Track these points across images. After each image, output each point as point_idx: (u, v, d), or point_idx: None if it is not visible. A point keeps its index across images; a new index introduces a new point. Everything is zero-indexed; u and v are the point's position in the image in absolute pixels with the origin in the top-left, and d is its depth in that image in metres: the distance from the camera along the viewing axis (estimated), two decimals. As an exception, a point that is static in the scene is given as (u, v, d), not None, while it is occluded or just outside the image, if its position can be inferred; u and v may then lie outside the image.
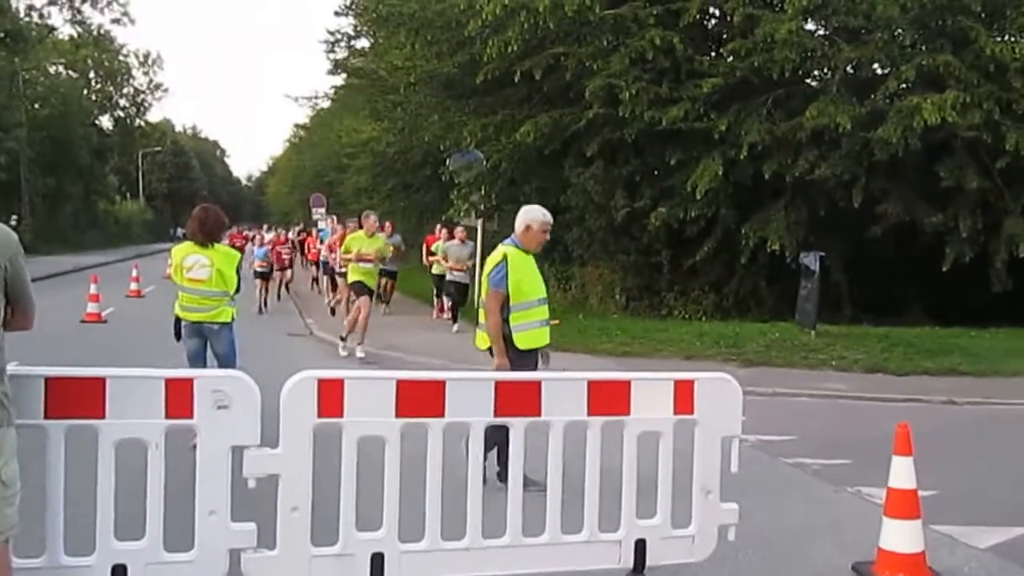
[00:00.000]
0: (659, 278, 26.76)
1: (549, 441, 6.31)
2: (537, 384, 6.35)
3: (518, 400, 6.25)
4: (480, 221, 27.64)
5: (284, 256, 32.68)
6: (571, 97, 24.66)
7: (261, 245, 28.98)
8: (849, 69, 22.34)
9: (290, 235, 52.28)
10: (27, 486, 5.00)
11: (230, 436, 5.69)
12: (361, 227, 19.75)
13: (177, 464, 5.78)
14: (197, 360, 11.08)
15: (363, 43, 40.85)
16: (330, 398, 5.84)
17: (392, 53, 31.41)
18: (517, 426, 6.25)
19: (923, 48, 21.70)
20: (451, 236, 24.44)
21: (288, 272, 33.33)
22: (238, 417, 5.67)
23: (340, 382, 5.88)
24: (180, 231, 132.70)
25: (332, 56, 41.84)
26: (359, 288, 18.80)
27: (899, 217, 21.84)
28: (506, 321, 8.95)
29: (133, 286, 33.02)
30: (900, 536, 6.90)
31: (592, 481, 6.41)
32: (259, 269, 28.32)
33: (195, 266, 10.78)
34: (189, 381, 5.67)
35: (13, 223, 56.14)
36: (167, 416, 5.60)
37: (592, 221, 26.49)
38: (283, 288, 32.83)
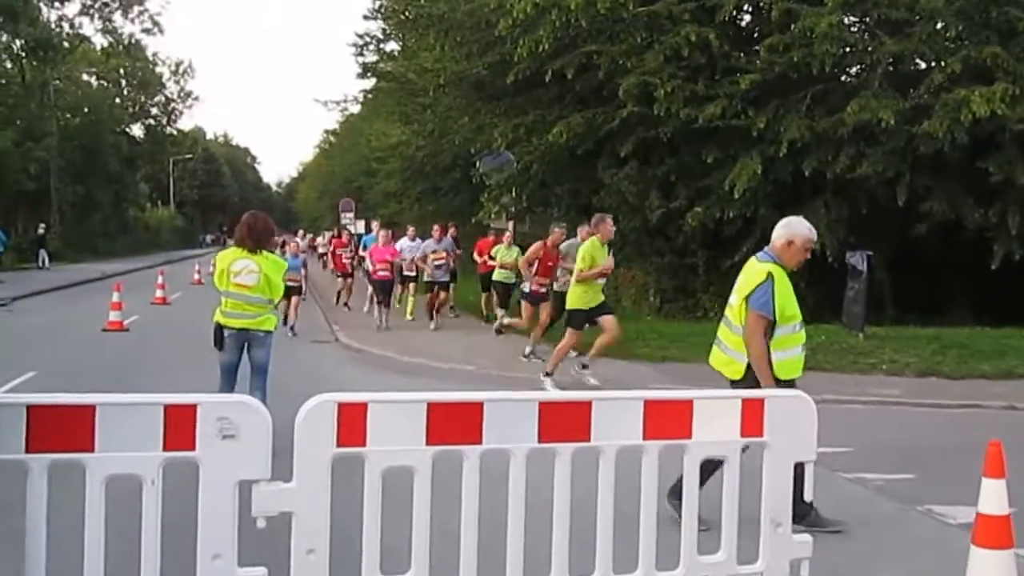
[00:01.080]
0: (694, 280, 25.97)
1: (600, 469, 5.54)
2: (587, 405, 5.53)
3: (565, 423, 5.46)
4: (511, 223, 27.18)
5: (345, 260, 30.95)
6: (604, 96, 23.96)
7: (296, 254, 25.37)
8: (891, 63, 21.48)
9: (318, 239, 51.54)
10: (6, 527, 4.30)
11: (237, 469, 4.93)
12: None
13: (177, 501, 5.04)
14: (231, 371, 10.90)
15: (392, 46, 40.49)
16: (351, 424, 5.09)
17: (421, 55, 31.15)
18: (563, 453, 5.46)
19: (968, 40, 20.79)
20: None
21: (350, 280, 30.94)
22: (246, 448, 4.91)
23: (362, 406, 5.12)
24: (209, 237, 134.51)
25: (361, 60, 41.33)
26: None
27: (944, 215, 21.00)
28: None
29: (159, 293, 32.44)
30: (993, 570, 6.08)
31: (648, 513, 5.62)
32: (290, 283, 20.68)
33: (243, 271, 10.67)
34: (191, 408, 4.90)
35: (41, 231, 56.18)
36: (165, 448, 4.84)
37: (626, 222, 25.71)
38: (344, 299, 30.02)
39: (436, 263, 23.81)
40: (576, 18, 22.01)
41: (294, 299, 22.81)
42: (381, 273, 23.63)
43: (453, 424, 5.28)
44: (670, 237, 25.50)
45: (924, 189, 21.28)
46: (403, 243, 25.86)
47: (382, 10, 37.06)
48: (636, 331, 21.07)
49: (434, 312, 23.90)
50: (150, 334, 23.14)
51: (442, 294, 24.37)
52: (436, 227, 24.72)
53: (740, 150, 22.10)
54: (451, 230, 26.10)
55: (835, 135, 21.05)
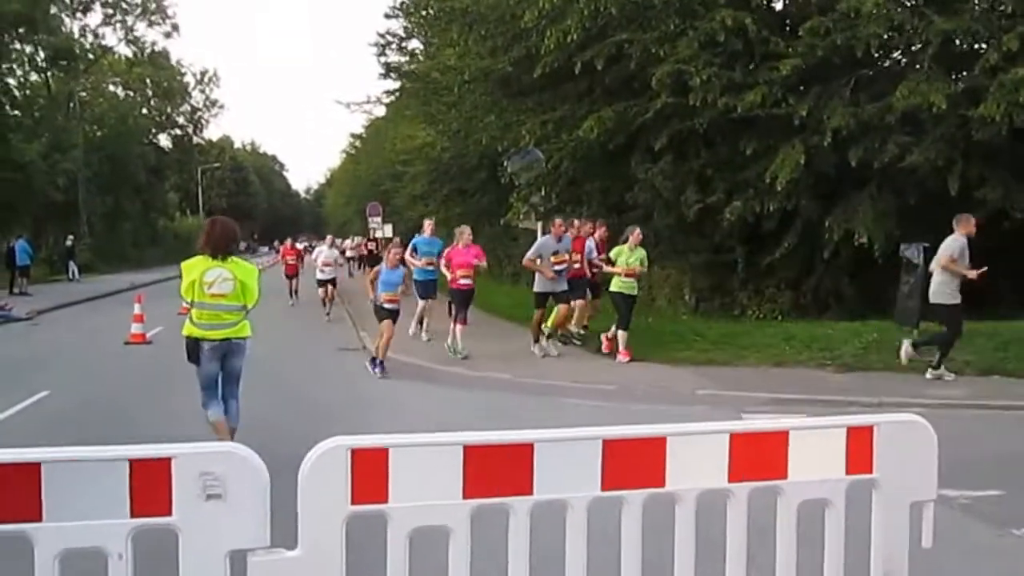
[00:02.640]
0: (732, 277, 24.82)
1: (677, 520, 4.46)
2: (661, 442, 4.48)
3: (634, 465, 4.40)
4: (540, 224, 26.36)
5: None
6: (635, 88, 22.70)
7: (394, 265, 21.41)
8: (941, 43, 20.21)
9: (346, 243, 50.73)
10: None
11: (226, 536, 3.89)
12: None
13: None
14: (213, 384, 10.66)
15: (415, 44, 39.63)
16: (369, 475, 4.02)
17: (444, 52, 30.40)
18: (632, 502, 4.38)
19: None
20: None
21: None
22: (237, 509, 3.88)
23: (382, 452, 4.07)
24: (242, 245, 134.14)
25: (383, 60, 40.40)
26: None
27: (999, 204, 19.79)
28: None
29: (184, 303, 31.42)
30: None
31: (736, 570, 4.55)
32: (388, 306, 17.78)
33: (217, 280, 10.31)
34: (165, 462, 3.85)
35: (70, 243, 55.72)
36: (134, 513, 3.81)
37: (660, 219, 24.71)
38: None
39: (556, 267, 18.88)
40: (605, 6, 20.94)
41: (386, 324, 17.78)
42: (463, 281, 19.18)
43: (497, 471, 4.24)
44: (706, 233, 24.31)
45: (977, 178, 19.97)
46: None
47: (403, 7, 36.21)
48: (674, 332, 20.17)
49: (555, 332, 19.65)
50: (173, 346, 21.85)
51: (563, 307, 19.12)
52: (557, 220, 19.58)
53: (781, 140, 20.84)
54: (596, 228, 21.72)
55: (882, 122, 19.79)
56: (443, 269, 20.50)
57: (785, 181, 20.19)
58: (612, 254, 18.67)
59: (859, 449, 4.70)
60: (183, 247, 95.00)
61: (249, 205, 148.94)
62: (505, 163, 26.17)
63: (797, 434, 4.62)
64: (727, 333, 19.05)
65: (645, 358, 17.53)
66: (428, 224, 23.13)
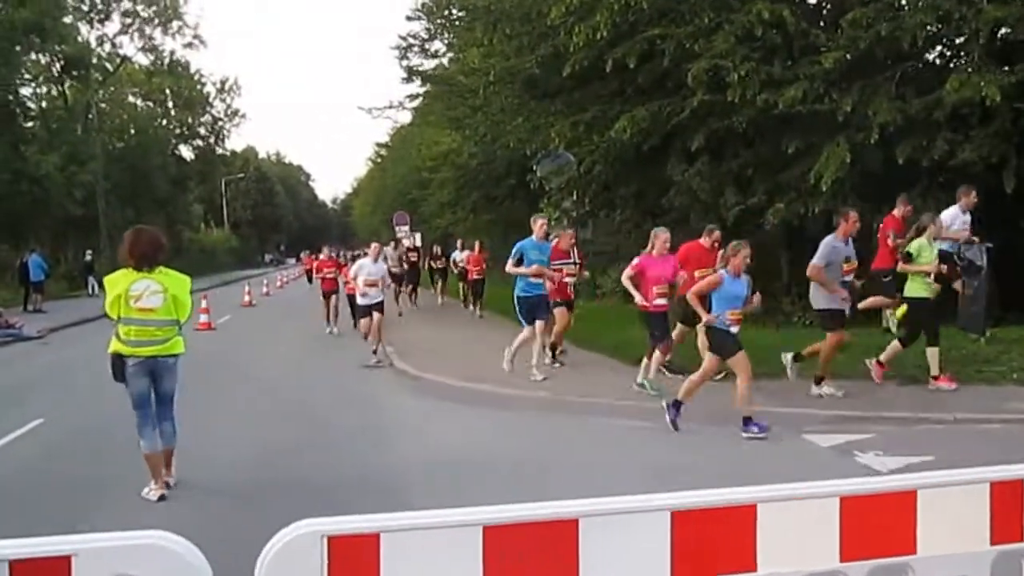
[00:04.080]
0: (775, 282, 23.84)
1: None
2: (751, 512, 3.55)
3: (705, 544, 3.49)
4: (572, 230, 25.56)
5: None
6: (670, 87, 21.91)
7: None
8: (991, 32, 19.23)
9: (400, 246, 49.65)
10: None
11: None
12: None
13: None
14: (145, 404, 10.09)
15: (437, 46, 38.99)
16: (353, 573, 3.09)
17: (469, 53, 29.71)
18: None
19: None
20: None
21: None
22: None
23: (371, 540, 3.10)
24: (268, 257, 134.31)
25: (405, 63, 39.75)
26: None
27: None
28: None
29: (202, 318, 30.82)
30: None
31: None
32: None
33: (145, 293, 9.81)
34: (62, 562, 2.88)
35: (89, 257, 55.13)
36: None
37: (697, 223, 23.77)
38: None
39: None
40: (636, 1, 20.05)
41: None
42: (659, 302, 15.41)
43: (530, 559, 3.27)
44: (747, 237, 23.36)
45: (1033, 175, 19.01)
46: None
47: (425, 8, 35.60)
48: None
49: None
50: (188, 365, 21.22)
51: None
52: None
53: (824, 138, 19.95)
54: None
55: (930, 117, 18.89)
56: (626, 283, 15.98)
57: (830, 181, 19.29)
58: (912, 249, 14.90)
59: (1007, 509, 3.80)
60: (208, 259, 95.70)
61: (275, 216, 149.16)
62: (534, 167, 25.38)
63: (926, 496, 3.71)
64: (773, 342, 18.01)
65: (686, 370, 16.58)
66: (540, 224, 17.96)
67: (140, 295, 9.77)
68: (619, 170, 24.63)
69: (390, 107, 55.34)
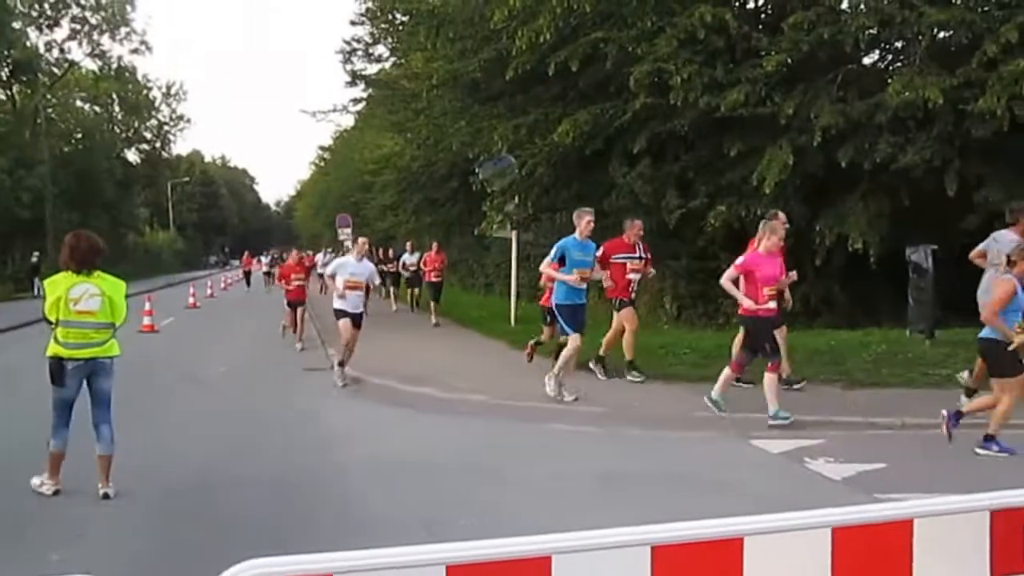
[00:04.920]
0: (715, 284, 23.37)
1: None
2: (737, 544, 3.14)
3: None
4: (514, 233, 25.06)
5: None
6: (612, 90, 21.42)
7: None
8: (933, 36, 18.96)
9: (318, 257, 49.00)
10: None
11: None
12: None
13: None
14: (67, 408, 9.85)
15: (381, 51, 38.51)
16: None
17: (412, 57, 29.26)
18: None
19: (1021, 5, 18.12)
20: None
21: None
22: None
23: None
24: (212, 259, 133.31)
25: (349, 67, 39.24)
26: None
27: (999, 204, 18.47)
28: None
29: (147, 320, 30.12)
30: None
31: None
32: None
33: (84, 297, 9.69)
34: None
35: (35, 259, 54.23)
36: None
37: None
38: None
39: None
40: (579, 4, 19.65)
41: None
42: (771, 305, 13.09)
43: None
44: (688, 239, 23.01)
45: (975, 177, 18.71)
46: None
47: (369, 13, 35.04)
48: (662, 344, 18.76)
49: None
50: (129, 369, 20.69)
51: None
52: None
53: (767, 141, 19.57)
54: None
55: (871, 120, 18.54)
56: (727, 286, 13.41)
57: (772, 184, 18.89)
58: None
59: (1007, 539, 3.42)
60: (154, 261, 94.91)
61: (220, 219, 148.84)
62: (477, 170, 24.83)
63: (923, 525, 3.31)
64: (720, 345, 17.40)
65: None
66: (587, 220, 14.89)
67: (79, 298, 9.64)
68: (561, 173, 24.06)
69: (333, 111, 55.18)
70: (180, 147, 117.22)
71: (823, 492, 9.64)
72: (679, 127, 20.59)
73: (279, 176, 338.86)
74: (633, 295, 16.84)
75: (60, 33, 77.07)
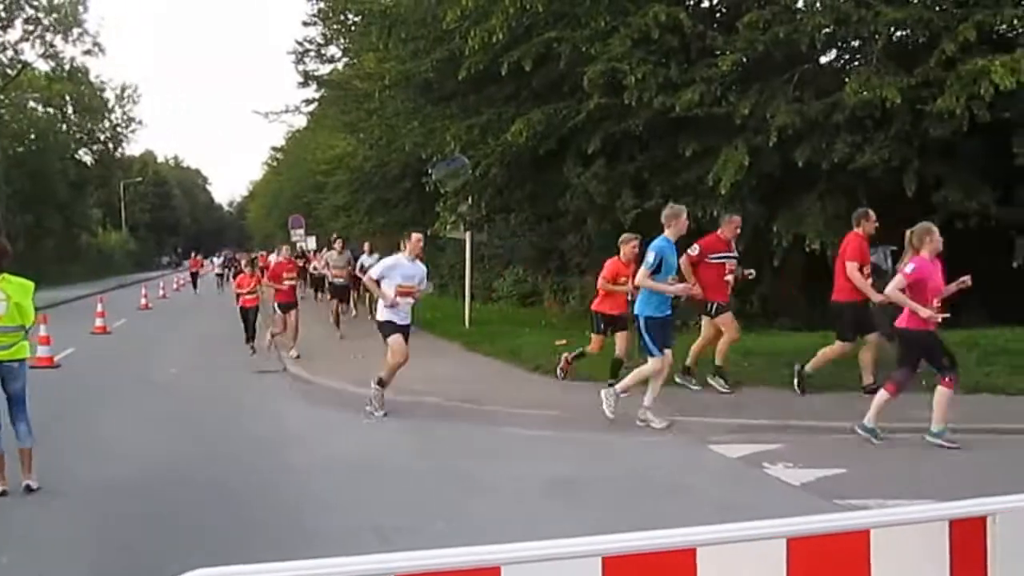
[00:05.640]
0: (671, 286, 23.04)
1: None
2: (691, 555, 3.12)
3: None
4: (468, 234, 24.63)
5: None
6: (566, 90, 20.94)
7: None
8: (890, 35, 18.59)
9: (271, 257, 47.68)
10: None
11: None
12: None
13: None
14: None
15: (334, 51, 38.26)
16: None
17: (365, 57, 28.90)
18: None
19: (979, 4, 17.80)
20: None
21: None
22: None
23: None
24: (165, 259, 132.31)
25: (302, 68, 38.90)
26: None
27: (958, 205, 18.17)
28: None
29: (98, 322, 29.63)
30: None
31: None
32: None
33: None
34: None
35: (-14, 260, 53.42)
36: None
37: (594, 226, 23.01)
38: None
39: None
40: (531, 4, 19.19)
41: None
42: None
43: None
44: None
45: (934, 178, 18.38)
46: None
47: (321, 13, 34.77)
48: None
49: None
50: (82, 371, 20.68)
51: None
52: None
53: (722, 141, 19.11)
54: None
55: (828, 120, 18.12)
56: (898, 297, 11.44)
57: (729, 184, 18.41)
58: None
59: (968, 551, 3.39)
60: (106, 262, 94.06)
61: (173, 219, 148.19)
62: (430, 171, 24.41)
63: (880, 534, 3.27)
64: (675, 347, 17.10)
65: (589, 377, 15.69)
66: (683, 218, 13.57)
67: None
68: (515, 173, 23.57)
69: (286, 111, 54.67)
70: (133, 147, 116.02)
71: (782, 498, 9.39)
72: (634, 127, 20.13)
73: (232, 176, 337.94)
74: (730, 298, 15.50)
75: (13, 34, 76.01)
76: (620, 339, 15.42)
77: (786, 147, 18.51)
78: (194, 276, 62.60)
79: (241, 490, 10.07)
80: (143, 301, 44.17)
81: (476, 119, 22.57)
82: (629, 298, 14.66)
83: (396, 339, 14.45)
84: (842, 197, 18.99)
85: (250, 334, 23.50)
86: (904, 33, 18.85)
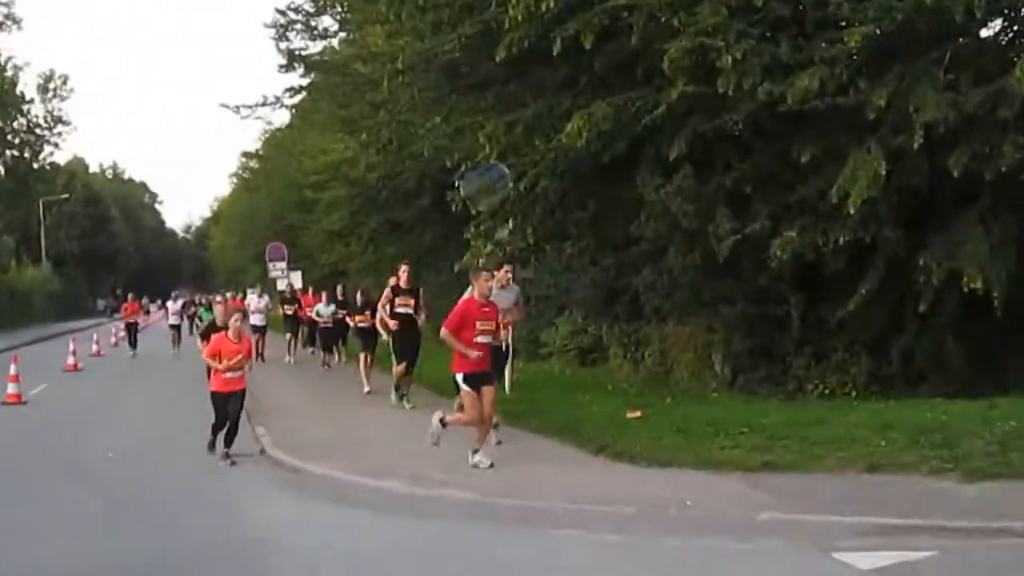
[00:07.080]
0: (782, 337, 23.28)
1: None
2: None
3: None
4: (510, 268, 24.90)
5: None
6: (639, 76, 21.35)
7: None
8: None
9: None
10: None
11: None
12: None
13: None
14: None
15: (327, 23, 38.67)
16: None
17: (369, 32, 29.27)
18: None
19: None
20: None
21: None
22: None
23: None
24: (101, 303, 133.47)
25: (285, 46, 39.34)
26: None
27: None
28: None
29: (10, 388, 29.97)
30: None
31: None
32: None
33: None
34: None
35: None
36: None
37: (677, 258, 23.26)
38: None
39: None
40: (594, -44, 19.56)
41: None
42: None
43: None
44: (745, 276, 22.86)
45: None
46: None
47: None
48: (709, 420, 18.55)
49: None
50: None
51: None
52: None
53: (850, 143, 19.35)
54: None
55: (992, 115, 18.32)
56: None
57: (859, 201, 18.61)
58: None
59: None
60: (21, 307, 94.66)
61: (111, 249, 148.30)
62: (457, 184, 24.71)
63: None
64: (788, 421, 17.39)
65: (671, 462, 15.93)
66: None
67: None
68: (571, 187, 23.87)
69: (263, 104, 55.25)
70: (58, 155, 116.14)
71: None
72: (731, 125, 20.47)
73: (189, 193, 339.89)
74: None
75: None
76: None
77: (936, 151, 18.75)
78: (131, 329, 55.06)
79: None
80: (71, 360, 44.05)
81: (519, 114, 22.99)
82: None
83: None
84: (1011, 218, 19.19)
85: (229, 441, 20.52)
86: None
